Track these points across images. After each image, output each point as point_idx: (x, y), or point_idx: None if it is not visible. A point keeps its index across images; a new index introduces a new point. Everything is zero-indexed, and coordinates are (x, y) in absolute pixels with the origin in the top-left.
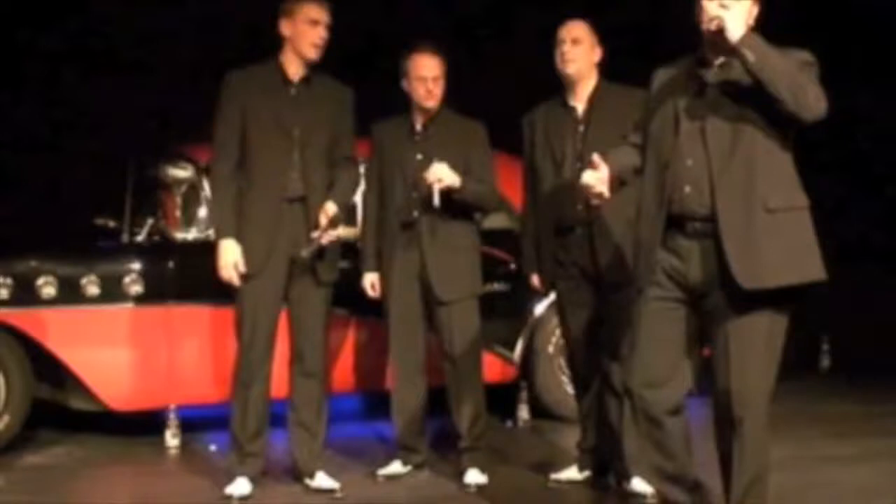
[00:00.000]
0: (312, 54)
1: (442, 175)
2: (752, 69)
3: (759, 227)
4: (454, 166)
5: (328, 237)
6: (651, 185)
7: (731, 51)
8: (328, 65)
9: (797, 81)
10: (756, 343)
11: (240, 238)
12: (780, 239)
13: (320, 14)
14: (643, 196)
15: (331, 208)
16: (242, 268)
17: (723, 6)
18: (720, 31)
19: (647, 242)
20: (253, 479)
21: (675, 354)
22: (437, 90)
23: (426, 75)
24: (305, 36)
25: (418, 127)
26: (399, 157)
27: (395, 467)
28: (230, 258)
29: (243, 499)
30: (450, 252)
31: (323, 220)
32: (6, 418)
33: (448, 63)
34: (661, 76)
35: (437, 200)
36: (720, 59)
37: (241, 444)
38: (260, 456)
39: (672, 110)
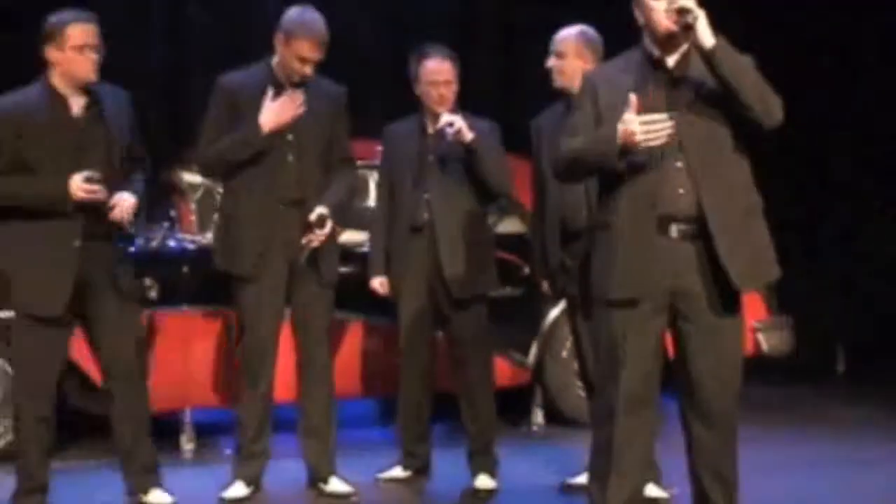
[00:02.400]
0: (294, 80)
1: (453, 119)
2: (724, 76)
3: (742, 226)
4: (464, 166)
5: (318, 238)
6: (631, 187)
7: (702, 52)
8: None
9: (764, 89)
10: (738, 344)
11: (234, 240)
12: (757, 237)
13: (312, 53)
14: (616, 199)
15: (317, 209)
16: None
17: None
18: (686, 29)
19: (635, 249)
20: (251, 482)
21: (656, 377)
22: (449, 94)
23: (437, 80)
24: (293, 67)
25: (430, 129)
26: (410, 158)
27: (396, 472)
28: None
29: (236, 501)
30: (464, 250)
31: (312, 221)
32: None
33: (458, 66)
34: (604, 76)
35: (449, 136)
36: (673, 57)
37: (243, 445)
38: (261, 457)
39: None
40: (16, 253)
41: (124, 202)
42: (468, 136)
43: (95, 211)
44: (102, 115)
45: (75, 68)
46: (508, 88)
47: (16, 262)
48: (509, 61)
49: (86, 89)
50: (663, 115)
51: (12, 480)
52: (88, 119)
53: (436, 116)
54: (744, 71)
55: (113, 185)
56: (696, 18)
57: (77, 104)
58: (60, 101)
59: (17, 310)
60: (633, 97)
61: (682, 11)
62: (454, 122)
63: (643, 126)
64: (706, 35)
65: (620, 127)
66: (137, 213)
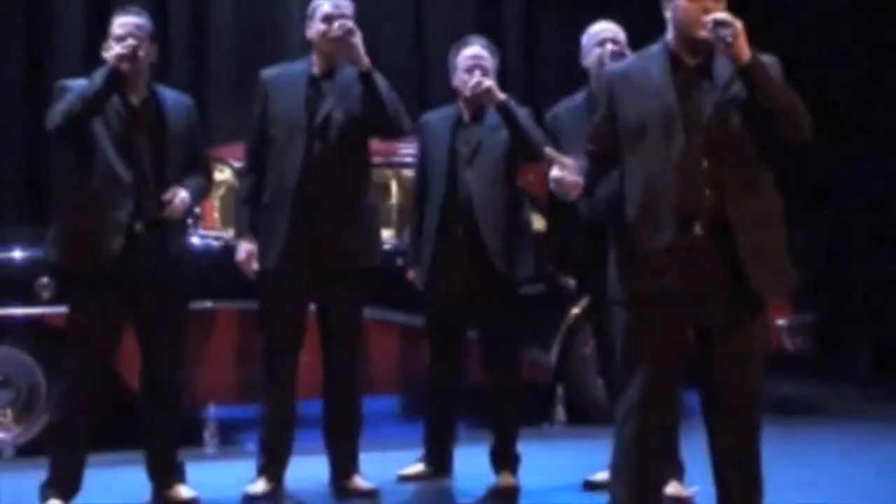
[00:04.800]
0: (328, 48)
1: (483, 79)
2: (757, 93)
3: (763, 230)
4: (502, 152)
5: None
6: (655, 185)
7: (737, 66)
8: None
9: (795, 106)
10: (761, 342)
11: (257, 232)
12: (777, 243)
13: (336, 10)
14: (639, 197)
15: None
16: (255, 264)
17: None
18: (724, 43)
19: (657, 248)
20: (273, 478)
21: (678, 374)
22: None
23: (473, 64)
24: (327, 34)
25: (465, 119)
26: (445, 149)
27: (418, 468)
28: (244, 254)
29: (258, 497)
30: (504, 238)
31: None
32: (47, 417)
33: (496, 59)
34: (623, 75)
35: (485, 84)
36: (698, 59)
37: (266, 441)
38: (284, 454)
39: (664, 109)
40: (70, 217)
41: (181, 196)
42: (499, 95)
43: (153, 199)
44: (157, 111)
45: (112, 55)
46: (530, 82)
47: (69, 222)
48: (532, 54)
49: (147, 86)
50: (575, 167)
51: (35, 475)
52: (143, 111)
53: (472, 103)
54: (777, 88)
55: (165, 182)
56: (735, 36)
57: (136, 97)
58: (120, 90)
59: (63, 269)
60: (548, 150)
61: (721, 24)
62: (483, 82)
63: (553, 184)
64: (742, 50)
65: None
66: (190, 212)
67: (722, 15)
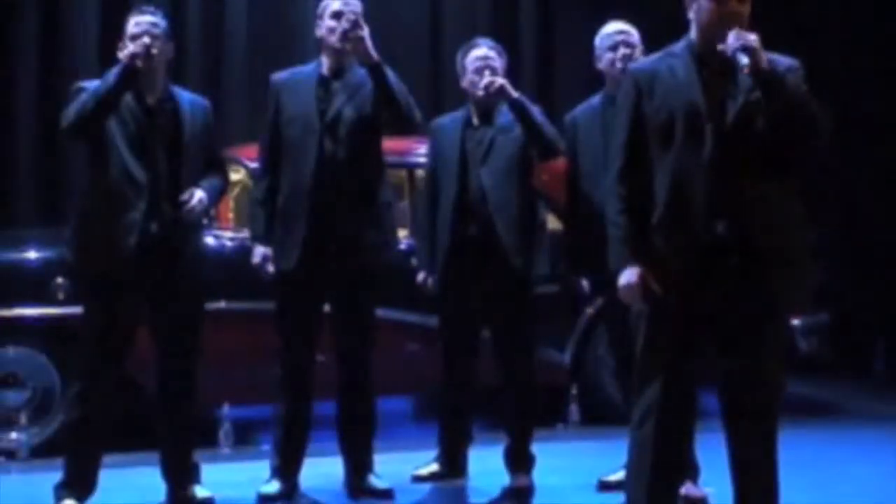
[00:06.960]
0: (338, 44)
1: (495, 78)
2: (775, 102)
3: (786, 233)
4: (516, 150)
5: None
6: (676, 186)
7: (754, 76)
8: None
9: (813, 112)
10: (781, 345)
11: (273, 234)
12: (799, 245)
13: (345, 6)
14: (659, 198)
15: None
16: (270, 267)
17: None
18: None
19: (677, 249)
20: (288, 479)
21: (693, 382)
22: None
23: (482, 65)
24: (335, 32)
25: (475, 121)
26: (456, 151)
27: (432, 468)
28: (259, 258)
29: (273, 498)
30: (519, 236)
31: None
32: (62, 418)
33: (505, 59)
34: (650, 72)
35: (498, 83)
36: (717, 63)
37: (281, 442)
38: (299, 454)
39: (691, 108)
40: (85, 217)
41: (199, 196)
42: (513, 92)
43: (169, 199)
44: (174, 111)
45: (125, 53)
46: (545, 84)
47: (84, 222)
48: (546, 56)
49: (164, 86)
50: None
51: (50, 476)
52: (160, 111)
53: (481, 105)
54: (794, 99)
55: (180, 183)
56: (754, 60)
57: (152, 97)
58: (136, 89)
59: (80, 268)
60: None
61: (739, 50)
62: (496, 81)
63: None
64: (760, 63)
65: (626, 278)
66: (206, 213)
67: (740, 41)
